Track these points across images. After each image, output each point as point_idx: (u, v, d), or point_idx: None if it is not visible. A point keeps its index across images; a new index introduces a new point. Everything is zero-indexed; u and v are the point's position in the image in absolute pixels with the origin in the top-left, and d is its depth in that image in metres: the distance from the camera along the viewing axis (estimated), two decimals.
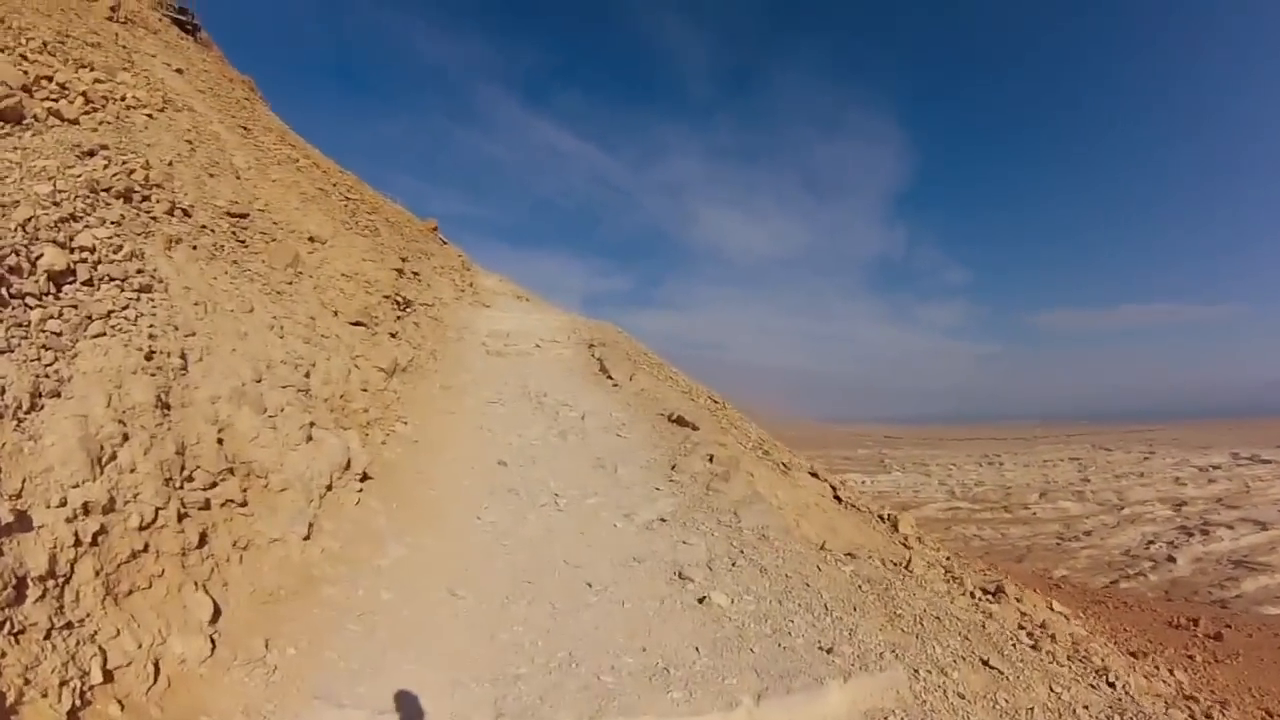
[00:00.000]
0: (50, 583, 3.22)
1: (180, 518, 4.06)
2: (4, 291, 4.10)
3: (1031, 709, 3.98)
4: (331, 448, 5.58)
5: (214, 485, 4.44)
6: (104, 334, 4.51)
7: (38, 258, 4.50)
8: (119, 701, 3.13)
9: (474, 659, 4.01)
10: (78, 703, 2.97)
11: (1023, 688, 4.17)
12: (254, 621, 3.97)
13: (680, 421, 8.49)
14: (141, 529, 3.79)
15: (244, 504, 4.57)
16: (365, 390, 7.15)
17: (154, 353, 4.76)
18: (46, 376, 3.90)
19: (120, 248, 5.34)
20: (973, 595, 6.79)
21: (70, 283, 4.70)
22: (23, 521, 3.26)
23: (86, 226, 5.24)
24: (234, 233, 7.50)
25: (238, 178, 8.87)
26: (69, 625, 3.19)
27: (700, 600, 4.74)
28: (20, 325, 4.03)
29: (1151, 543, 27.93)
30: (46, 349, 4.05)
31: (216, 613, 3.85)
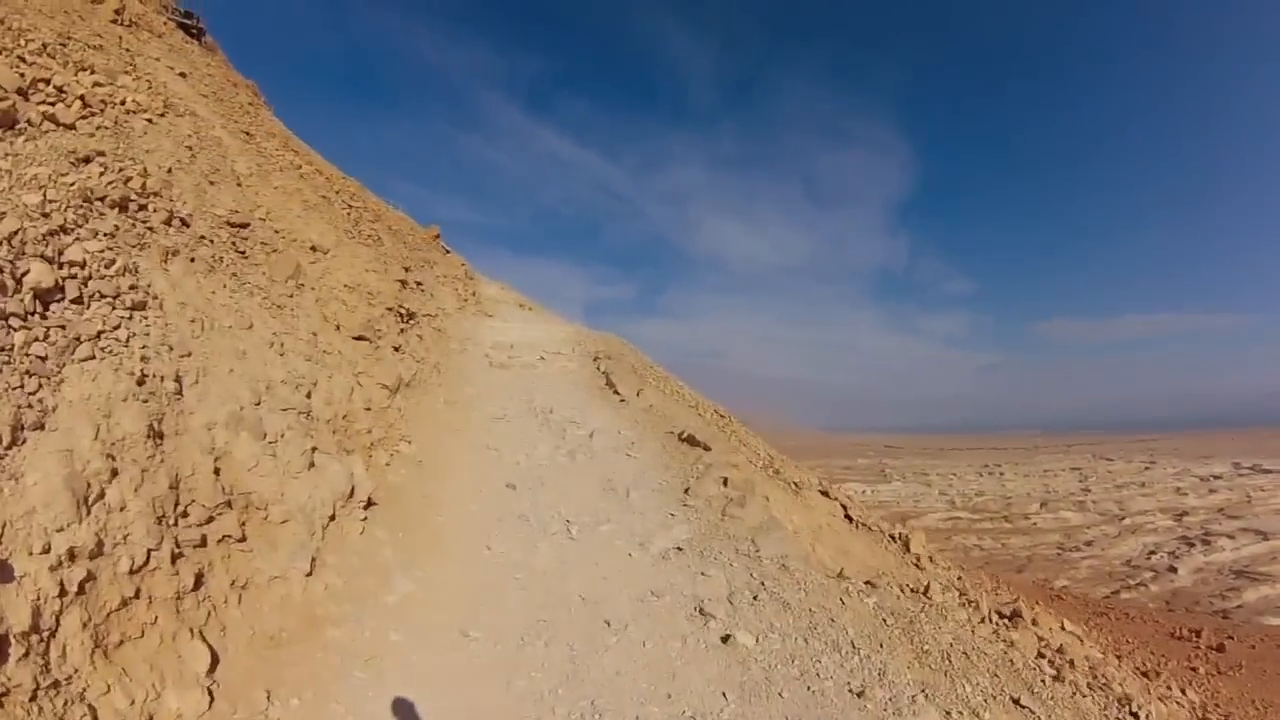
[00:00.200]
0: (34, 638, 2.96)
1: (174, 558, 3.79)
2: None
3: None
4: (334, 474, 5.31)
5: (210, 520, 4.17)
6: (93, 357, 4.23)
7: (23, 274, 4.21)
8: None
9: (490, 711, 3.76)
10: None
11: None
12: (254, 669, 3.71)
13: (691, 441, 8.25)
14: (132, 573, 3.52)
15: (242, 539, 4.30)
16: (368, 409, 6.87)
17: (146, 377, 4.48)
18: (30, 407, 3.62)
19: (113, 262, 5.06)
20: (991, 621, 6.65)
21: (58, 301, 4.41)
22: (3, 571, 2.99)
23: (77, 239, 4.95)
24: (234, 243, 7.21)
25: (239, 185, 8.59)
26: (55, 684, 2.95)
27: (724, 639, 4.54)
28: (2, 350, 3.75)
29: (1153, 553, 27.83)
30: (30, 375, 3.78)
31: (214, 661, 3.59)
